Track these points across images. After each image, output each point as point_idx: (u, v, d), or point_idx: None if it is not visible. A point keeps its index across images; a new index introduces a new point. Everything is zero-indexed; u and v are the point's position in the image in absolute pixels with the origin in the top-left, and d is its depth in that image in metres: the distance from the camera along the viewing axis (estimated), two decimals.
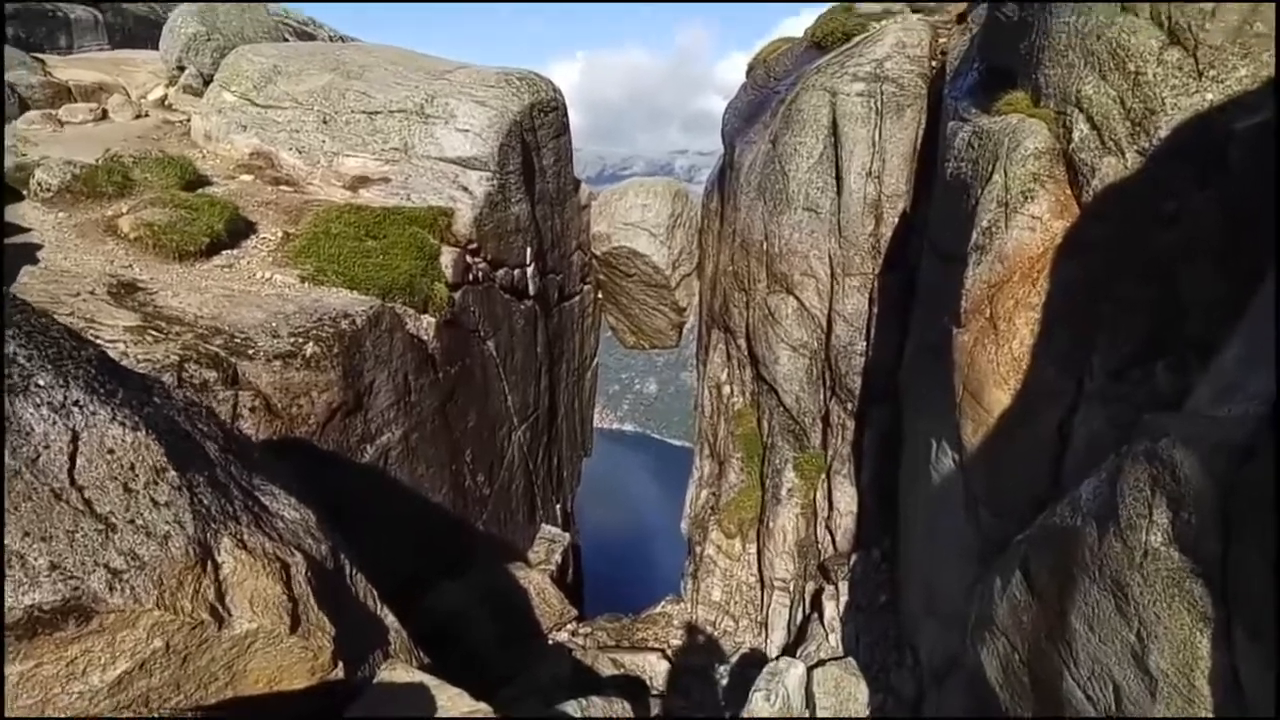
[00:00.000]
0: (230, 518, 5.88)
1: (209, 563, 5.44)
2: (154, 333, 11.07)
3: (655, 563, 55.44)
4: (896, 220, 17.28)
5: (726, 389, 22.94)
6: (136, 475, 5.33)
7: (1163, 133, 8.40)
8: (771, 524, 20.21)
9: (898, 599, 15.69)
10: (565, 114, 24.12)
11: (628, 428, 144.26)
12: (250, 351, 11.60)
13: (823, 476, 19.29)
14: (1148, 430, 5.38)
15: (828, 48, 21.75)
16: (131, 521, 5.14)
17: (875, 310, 17.58)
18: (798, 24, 26.67)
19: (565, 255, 25.14)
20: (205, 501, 5.71)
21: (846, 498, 18.78)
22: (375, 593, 7.53)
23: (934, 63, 17.48)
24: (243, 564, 5.66)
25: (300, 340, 12.06)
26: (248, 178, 18.00)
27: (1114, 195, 8.77)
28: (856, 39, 19.76)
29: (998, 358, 9.99)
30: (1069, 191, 9.49)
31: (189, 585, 5.24)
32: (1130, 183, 8.65)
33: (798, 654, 16.69)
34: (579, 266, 26.70)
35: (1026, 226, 9.63)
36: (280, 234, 15.41)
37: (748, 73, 28.10)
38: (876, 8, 22.39)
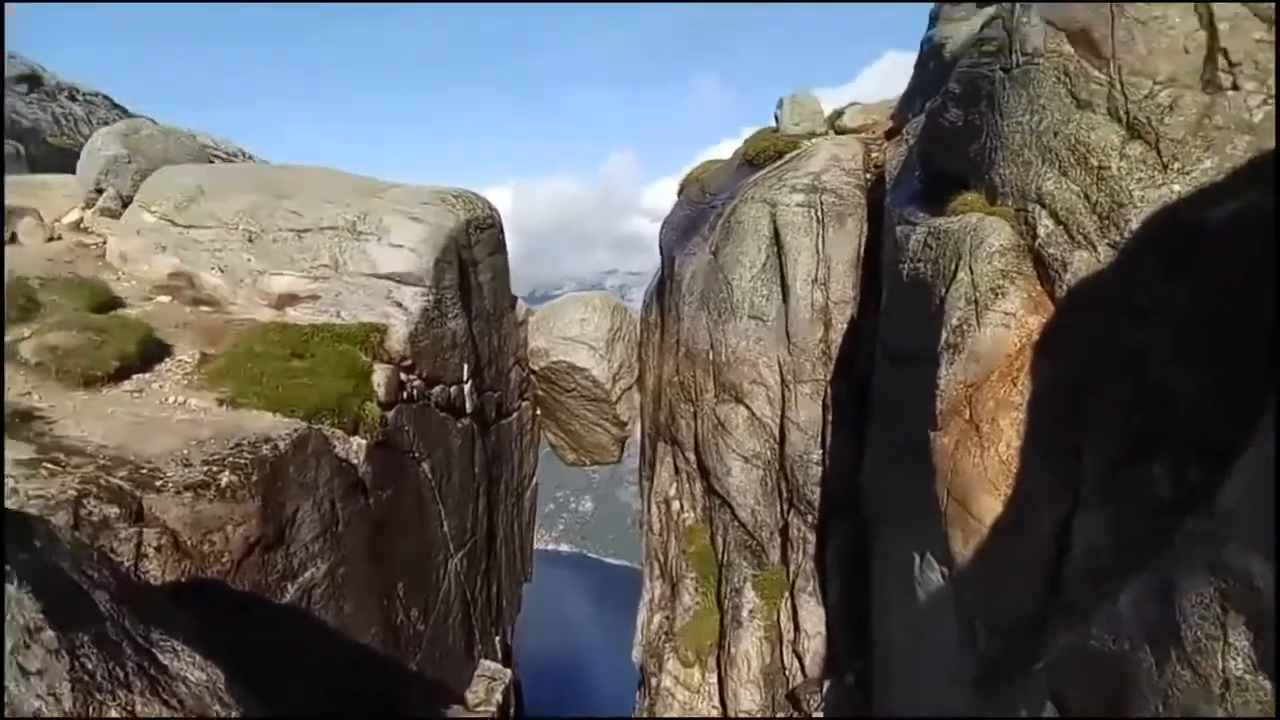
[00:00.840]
0: (120, 685, 4.89)
1: None
2: (50, 465, 9.95)
3: (602, 692, 52.68)
4: (845, 326, 17.25)
5: (676, 504, 22.10)
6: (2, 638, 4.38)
7: (1134, 225, 8.40)
8: (733, 649, 19.02)
9: None
10: (501, 231, 23.99)
11: (564, 548, 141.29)
12: (158, 483, 10.51)
13: (785, 595, 18.36)
14: (1205, 537, 4.84)
15: (760, 165, 22.27)
16: None
17: (830, 418, 17.26)
18: (720, 151, 27.56)
19: (503, 372, 24.49)
20: (89, 666, 4.73)
21: (814, 618, 17.85)
22: None
23: (868, 175, 17.94)
24: None
25: (215, 469, 11.02)
26: (165, 299, 17.09)
27: (1088, 289, 8.67)
28: (789, 155, 20.26)
29: (984, 461, 9.58)
30: (1040, 287, 9.39)
31: None
32: (1104, 276, 8.57)
33: None
34: (517, 383, 26.03)
35: (1000, 323, 9.46)
36: (198, 356, 14.47)
37: (680, 191, 28.65)
38: (803, 130, 23.16)
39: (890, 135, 18.36)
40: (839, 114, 24.21)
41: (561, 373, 27.32)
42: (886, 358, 13.35)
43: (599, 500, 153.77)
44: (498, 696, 19.91)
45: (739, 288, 18.55)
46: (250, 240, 18.71)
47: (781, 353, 17.95)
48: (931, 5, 19.46)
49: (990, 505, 9.73)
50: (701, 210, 23.05)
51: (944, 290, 10.35)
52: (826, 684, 16.56)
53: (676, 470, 22.28)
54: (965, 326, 9.83)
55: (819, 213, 17.52)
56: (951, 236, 10.45)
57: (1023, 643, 8.78)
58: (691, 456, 21.14)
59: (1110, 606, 5.71)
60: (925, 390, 10.51)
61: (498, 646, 23.32)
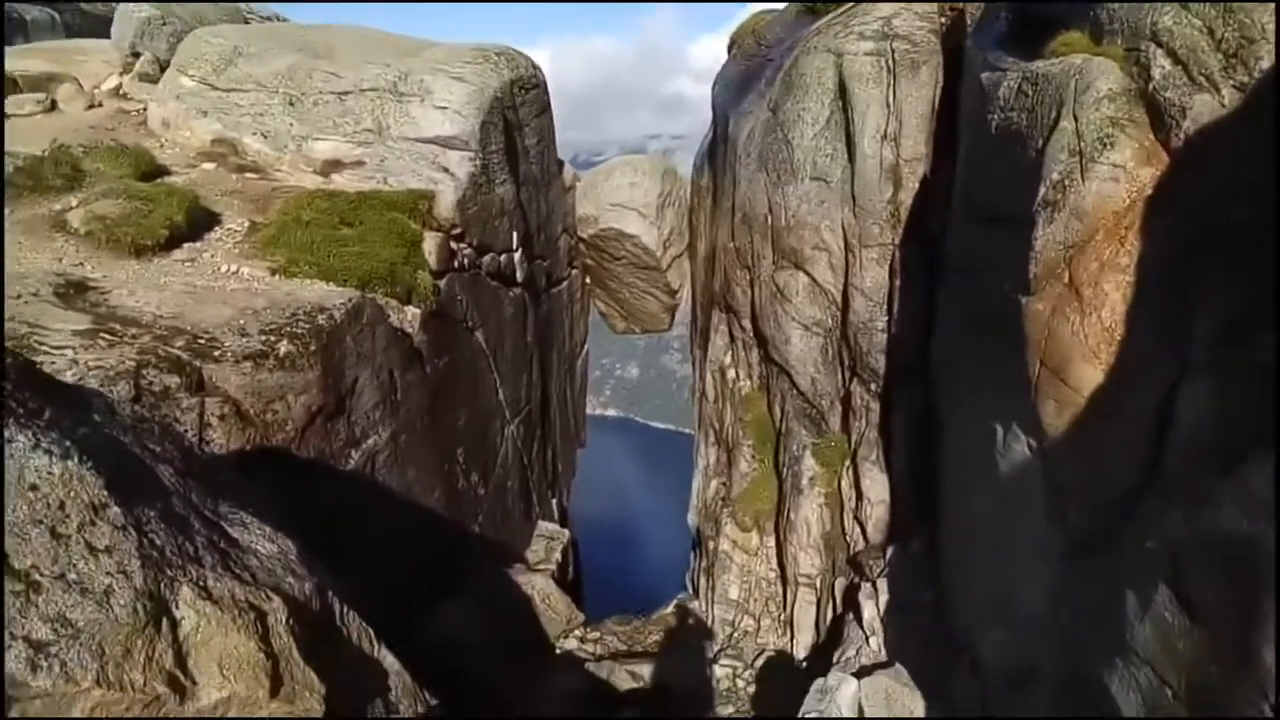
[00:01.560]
0: (190, 560, 4.81)
1: (164, 620, 4.37)
2: (107, 336, 9.90)
3: (655, 554, 54.38)
4: (917, 186, 16.21)
5: (731, 373, 21.85)
6: (68, 516, 4.25)
7: (1265, 63, 7.40)
8: (793, 515, 19.12)
9: (944, 597, 14.45)
10: (546, 91, 22.96)
11: (610, 413, 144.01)
12: (216, 353, 10.47)
13: (847, 463, 18.18)
14: None
15: (822, 12, 20.64)
16: (61, 576, 4.06)
17: (897, 283, 16.48)
18: (770, 3, 25.62)
19: (552, 239, 24.01)
20: (158, 542, 4.63)
21: (878, 486, 17.61)
22: (371, 632, 6.47)
23: (943, 20, 16.45)
24: (207, 618, 4.58)
25: (273, 338, 10.92)
26: (209, 166, 16.75)
27: (1210, 138, 7.76)
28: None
29: (1084, 329, 8.93)
30: (1153, 137, 8.48)
31: (139, 652, 4.17)
32: (1228, 123, 7.64)
33: (835, 659, 15.51)
34: (566, 251, 25.57)
35: (1108, 177, 8.60)
36: (246, 224, 14.24)
37: (730, 47, 26.95)
38: None
39: None
40: None
41: (611, 240, 26.75)
42: (967, 217, 12.45)
43: (644, 366, 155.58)
44: (557, 555, 20.52)
45: (800, 146, 17.49)
46: (291, 104, 18.11)
47: (846, 215, 17.04)
48: None
49: (1089, 375, 9.10)
50: (758, 64, 21.63)
51: (1041, 141, 9.43)
52: (890, 550, 16.45)
53: (732, 338, 21.88)
54: (1067, 181, 8.95)
55: (890, 61, 16.17)
56: (1051, 81, 9.43)
57: (1117, 519, 8.42)
58: (748, 324, 20.68)
59: (1238, 486, 5.27)
60: (1013, 252, 9.77)
61: (554, 509, 23.92)
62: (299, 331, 11.21)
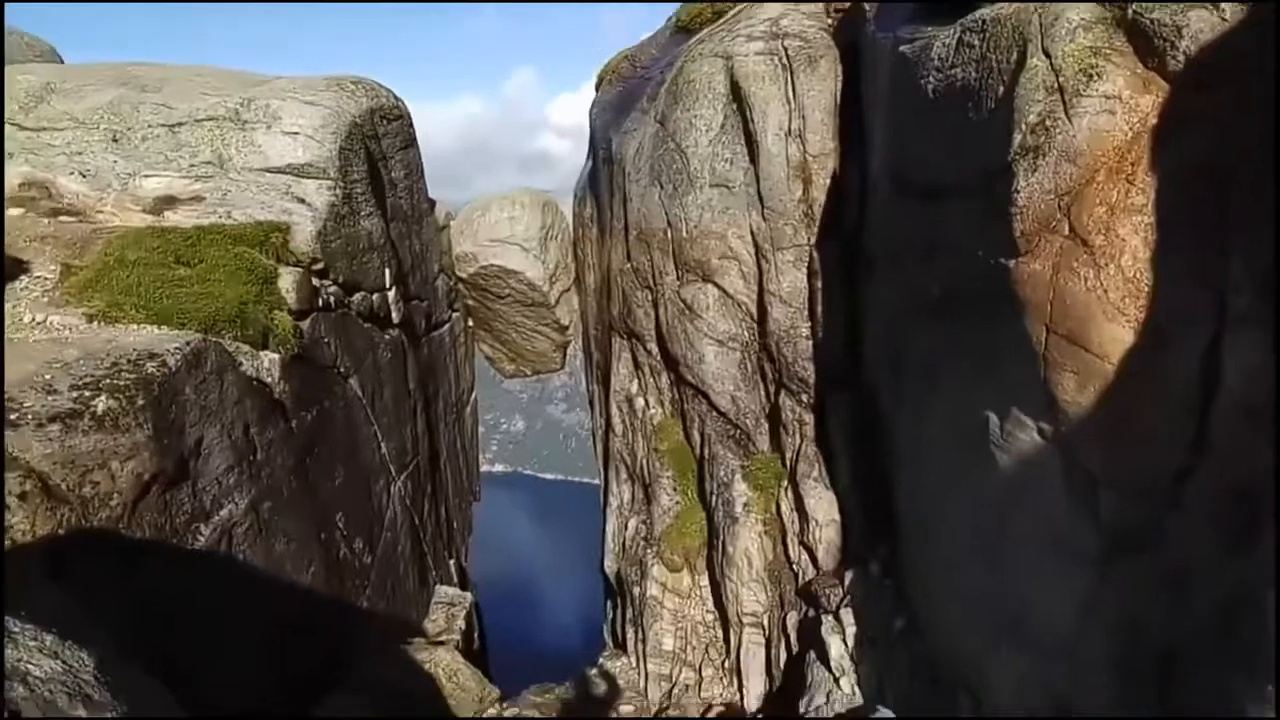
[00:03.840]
0: None
1: None
2: None
3: (567, 610, 51.88)
4: (828, 182, 15.38)
5: (640, 401, 20.35)
6: None
7: None
8: (729, 548, 17.55)
9: (919, 622, 13.04)
10: (411, 125, 21.42)
11: (499, 468, 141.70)
12: (14, 416, 8.34)
13: (784, 484, 16.90)
14: None
15: (696, 29, 20.01)
16: None
17: (818, 285, 15.51)
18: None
19: (428, 279, 22.24)
20: None
21: (824, 505, 16.19)
22: None
23: (830, 21, 15.93)
24: None
25: (88, 394, 8.85)
26: (16, 212, 14.35)
27: (1217, 55, 6.96)
28: (733, 12, 18.04)
29: (1102, 282, 7.87)
30: (1143, 65, 7.67)
31: None
32: (1236, 36, 6.86)
33: (803, 708, 13.89)
34: (445, 292, 23.81)
35: (1102, 110, 7.70)
36: (58, 270, 11.99)
37: (598, 85, 26.18)
38: None
39: None
40: None
41: (493, 278, 25.15)
42: (902, 199, 11.53)
43: (530, 418, 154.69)
44: (460, 623, 18.46)
45: (696, 154, 16.52)
46: (114, 140, 15.96)
47: (754, 220, 16.06)
48: None
49: (1117, 335, 7.91)
50: (636, 83, 20.78)
51: (1002, 89, 8.55)
52: (848, 576, 15.00)
53: (637, 365, 20.49)
54: (1049, 122, 8.01)
55: (784, 59, 15.44)
56: (1004, 24, 8.62)
57: (1164, 507, 7.38)
58: (654, 348, 19.39)
59: None
60: (971, 221, 8.83)
61: (453, 571, 21.80)
62: (122, 384, 9.16)
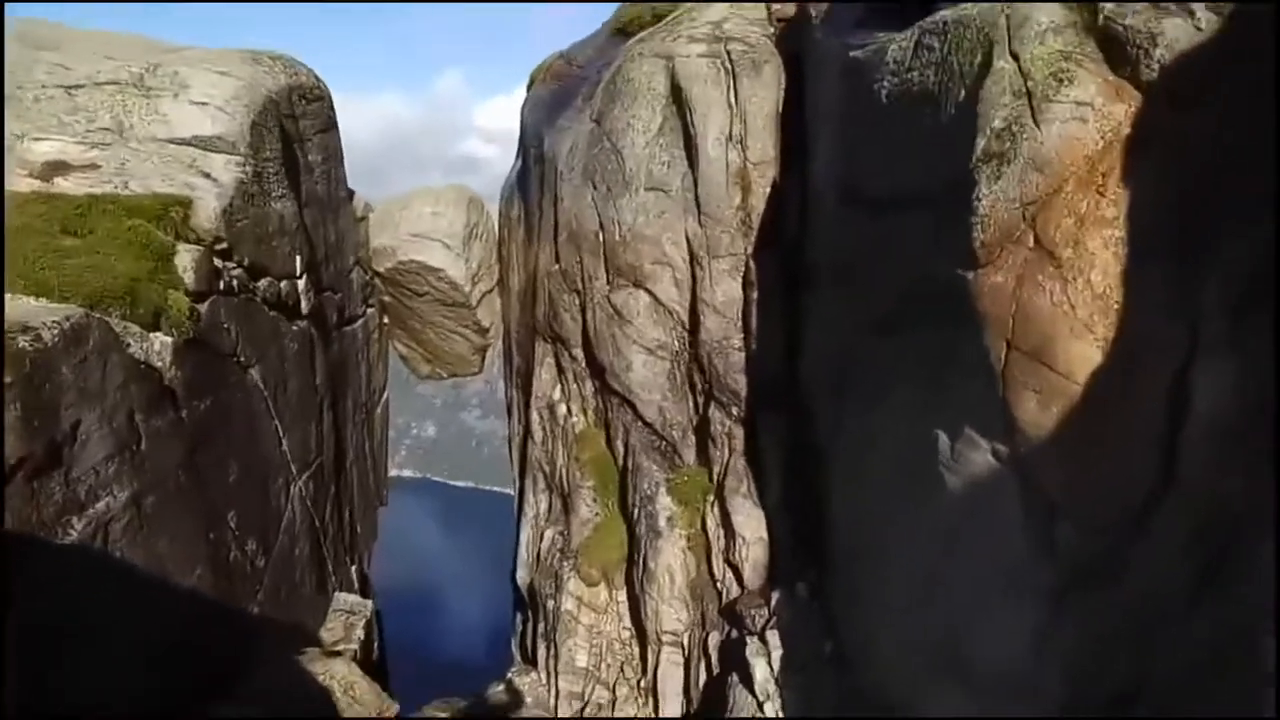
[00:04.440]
0: None
1: None
2: None
3: (472, 621, 50.24)
4: (768, 190, 15.10)
5: (562, 409, 19.67)
6: None
7: None
8: (650, 564, 16.91)
9: (846, 649, 12.57)
10: (332, 108, 20.50)
11: (407, 473, 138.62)
12: None
13: (710, 499, 16.46)
14: None
15: (633, 31, 19.68)
16: None
17: (754, 295, 15.19)
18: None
19: (343, 272, 21.25)
20: None
21: (752, 522, 15.62)
22: None
23: (772, 29, 15.75)
24: None
25: None
26: None
27: (1198, 63, 6.81)
28: (674, 15, 17.75)
29: (1069, 297, 7.56)
30: (1113, 73, 7.50)
31: None
32: (1215, 47, 6.73)
33: None
34: (360, 286, 22.80)
35: (1072, 117, 7.48)
36: None
37: (531, 83, 25.65)
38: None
39: None
40: None
41: (412, 274, 24.26)
42: (844, 211, 11.29)
43: (442, 424, 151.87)
44: (358, 632, 17.50)
45: (632, 156, 16.10)
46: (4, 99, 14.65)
47: (690, 226, 15.69)
48: None
49: (1083, 354, 7.52)
50: (572, 82, 20.33)
51: (962, 93, 8.31)
52: (775, 596, 14.49)
53: (560, 371, 19.86)
54: (1015, 128, 7.74)
55: (727, 63, 15.17)
56: (969, 25, 8.38)
57: (1129, 537, 7.13)
58: (579, 353, 18.87)
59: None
60: (925, 234, 8.59)
61: (354, 577, 20.75)
62: None
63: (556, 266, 18.74)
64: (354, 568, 20.91)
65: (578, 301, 18.42)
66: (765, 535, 15.31)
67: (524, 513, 21.01)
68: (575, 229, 17.67)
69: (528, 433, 20.91)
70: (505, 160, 25.98)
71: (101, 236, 11.55)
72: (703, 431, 16.85)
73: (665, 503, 17.03)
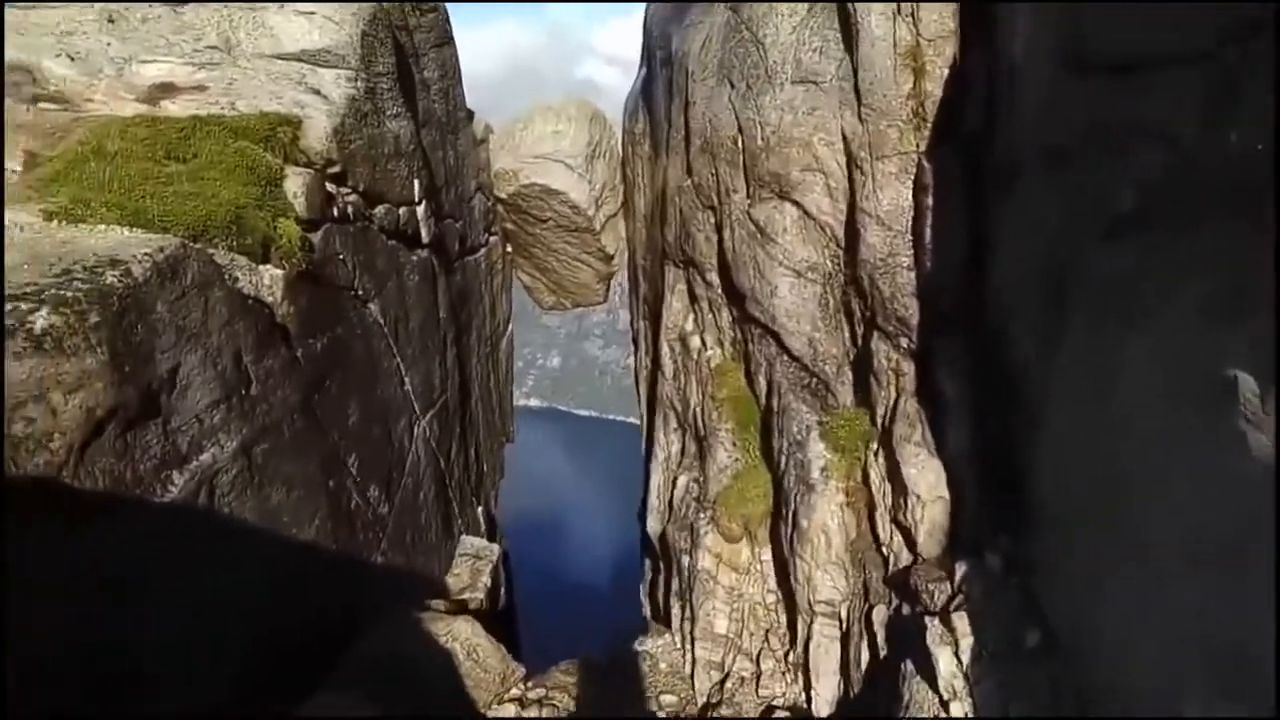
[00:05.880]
0: None
1: None
2: None
3: (600, 560, 49.96)
4: (946, 71, 12.64)
5: (695, 340, 17.81)
6: None
7: None
8: (802, 521, 14.61)
9: (1062, 637, 9.79)
10: (448, 20, 19.05)
11: (534, 403, 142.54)
12: None
13: (874, 447, 14.07)
14: None
15: None
16: None
17: (929, 201, 12.73)
18: None
19: (464, 198, 20.13)
20: None
21: (928, 476, 12.83)
22: None
23: None
24: None
25: (25, 307, 6.95)
26: None
27: None
28: None
29: None
30: None
31: None
32: None
33: None
34: (482, 212, 21.70)
35: None
36: (23, 160, 10.07)
37: None
38: None
39: None
40: None
41: (534, 199, 22.97)
42: (1075, 79, 8.89)
43: (565, 355, 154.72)
44: (485, 579, 16.83)
45: (776, 45, 13.76)
46: (110, 20, 13.97)
47: (848, 122, 13.20)
48: None
49: None
50: None
51: None
52: (960, 568, 11.85)
53: (693, 298, 17.97)
54: None
55: None
56: None
57: None
58: (715, 278, 16.95)
59: None
60: (1194, 101, 6.29)
61: (480, 519, 20.15)
62: (71, 296, 7.23)
63: (688, 180, 16.71)
64: (480, 509, 20.30)
65: (713, 219, 16.35)
66: (945, 493, 12.71)
67: (654, 454, 19.30)
68: (709, 136, 15.53)
69: (657, 366, 19.24)
70: (627, 83, 24.08)
71: (205, 161, 10.57)
72: (862, 367, 14.59)
73: (818, 450, 14.77)
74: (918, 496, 12.55)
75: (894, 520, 13.26)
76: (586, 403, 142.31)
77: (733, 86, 14.82)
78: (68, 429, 6.98)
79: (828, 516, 14.09)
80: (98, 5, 14.16)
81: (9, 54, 13.52)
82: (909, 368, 13.29)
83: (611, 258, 24.52)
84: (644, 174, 21.50)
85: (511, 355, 26.18)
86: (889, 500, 13.34)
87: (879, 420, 13.87)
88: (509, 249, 25.08)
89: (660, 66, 18.70)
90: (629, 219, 23.81)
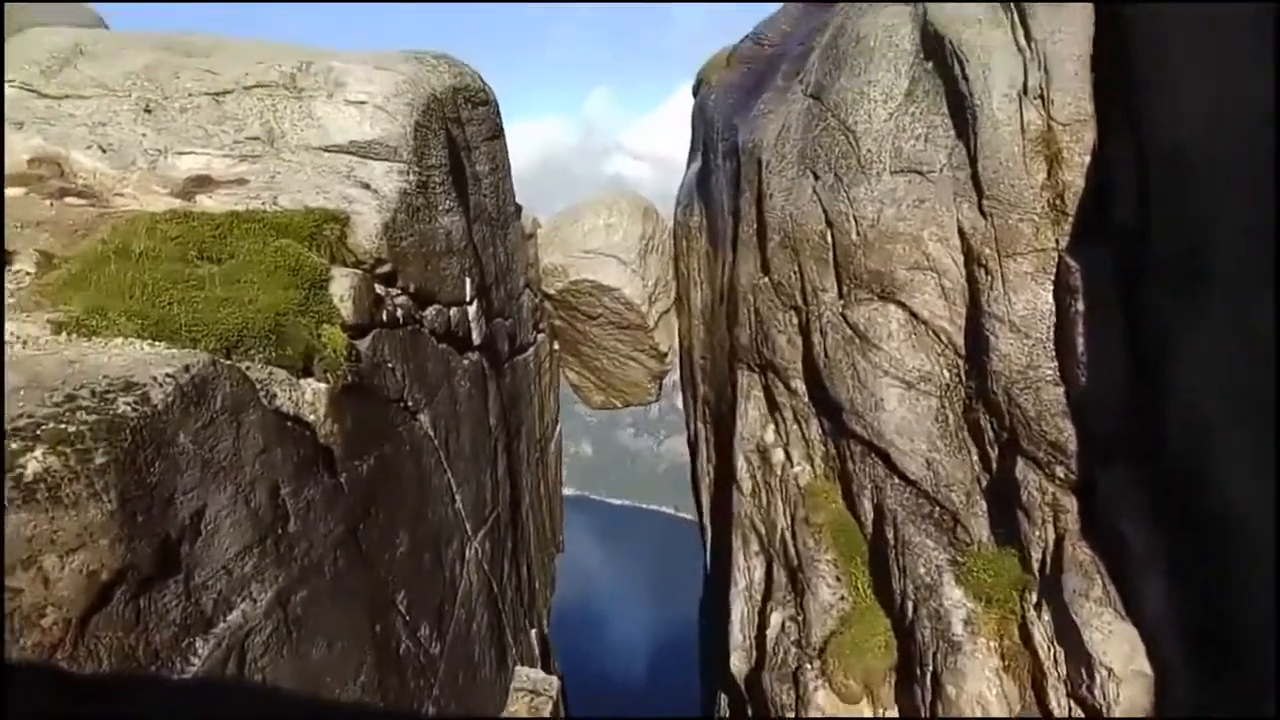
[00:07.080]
0: None
1: None
2: None
3: (651, 658, 47.21)
4: (1087, 159, 11.24)
5: (779, 454, 16.00)
6: None
7: None
8: (949, 687, 11.92)
9: None
10: (499, 113, 18.29)
11: (568, 491, 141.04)
12: None
13: (1031, 597, 11.57)
14: None
15: None
16: None
17: (1080, 305, 10.87)
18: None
19: (513, 295, 19.00)
20: None
21: (1121, 645, 10.13)
22: None
23: None
24: None
25: (17, 446, 5.58)
26: (18, 192, 11.46)
27: None
28: None
29: None
30: None
31: None
32: None
33: None
34: (530, 310, 20.55)
35: None
36: (36, 258, 8.93)
37: (699, 85, 22.89)
38: None
39: None
40: None
41: (585, 295, 21.84)
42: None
43: (597, 443, 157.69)
44: (546, 714, 14.91)
45: (870, 133, 12.49)
46: (147, 110, 13.21)
47: (966, 215, 11.79)
48: None
49: None
50: (767, 61, 17.16)
51: None
52: None
53: (773, 406, 16.23)
54: None
55: None
56: None
57: None
58: (800, 386, 15.38)
59: None
60: None
61: (534, 642, 18.26)
62: (73, 431, 5.87)
63: (765, 278, 15.29)
64: (534, 631, 18.44)
65: (796, 320, 14.83)
66: (1146, 667, 9.87)
67: (733, 580, 16.70)
68: (791, 230, 14.16)
69: (733, 480, 17.23)
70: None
71: (242, 262, 9.40)
72: (999, 497, 12.53)
73: (956, 597, 12.37)
74: (1109, 670, 9.83)
75: (1072, 695, 10.62)
76: (618, 491, 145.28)
77: (818, 178, 13.53)
78: (64, 600, 5.52)
79: (983, 685, 11.36)
80: (135, 95, 13.46)
81: (37, 144, 12.75)
82: (1070, 503, 11.03)
83: (665, 355, 23.18)
84: (700, 269, 20.30)
85: (560, 457, 24.67)
86: (1061, 670, 10.71)
87: (1034, 564, 11.55)
88: (556, 346, 23.86)
89: (722, 159, 17.60)
90: (682, 316, 22.56)
